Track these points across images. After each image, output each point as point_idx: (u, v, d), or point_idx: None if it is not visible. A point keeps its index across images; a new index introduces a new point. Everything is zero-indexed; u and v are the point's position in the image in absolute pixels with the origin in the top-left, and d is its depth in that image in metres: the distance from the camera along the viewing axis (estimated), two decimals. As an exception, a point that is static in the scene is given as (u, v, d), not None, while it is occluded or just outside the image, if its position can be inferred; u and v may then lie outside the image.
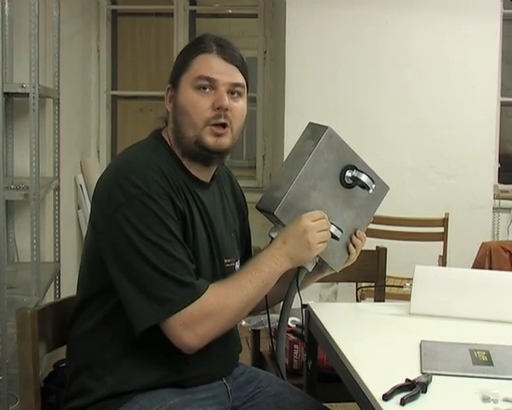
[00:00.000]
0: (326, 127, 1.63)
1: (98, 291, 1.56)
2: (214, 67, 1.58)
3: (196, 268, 1.54)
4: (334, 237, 1.64)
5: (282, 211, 1.59)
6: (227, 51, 1.60)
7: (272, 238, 1.64)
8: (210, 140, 1.57)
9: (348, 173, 1.65)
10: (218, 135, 1.57)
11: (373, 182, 1.65)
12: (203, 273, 1.57)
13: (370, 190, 1.66)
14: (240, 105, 1.61)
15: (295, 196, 1.59)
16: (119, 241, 1.48)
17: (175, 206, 1.52)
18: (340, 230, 1.65)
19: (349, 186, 1.66)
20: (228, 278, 1.57)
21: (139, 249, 1.46)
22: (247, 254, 1.86)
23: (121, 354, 1.54)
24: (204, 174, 1.65)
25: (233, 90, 1.59)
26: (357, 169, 1.65)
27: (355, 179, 1.65)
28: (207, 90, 1.57)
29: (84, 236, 1.70)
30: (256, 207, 1.66)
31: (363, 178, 1.64)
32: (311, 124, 1.69)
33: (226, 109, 1.56)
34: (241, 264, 1.76)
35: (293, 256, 1.59)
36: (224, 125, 1.58)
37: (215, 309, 1.50)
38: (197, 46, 1.61)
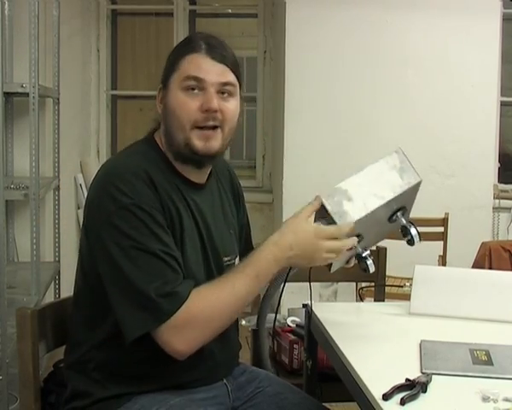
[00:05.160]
0: (419, 178, 1.57)
1: (91, 291, 1.54)
2: (202, 66, 1.53)
3: (186, 274, 1.51)
4: (362, 261, 1.62)
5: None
6: (216, 50, 1.55)
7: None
8: (198, 144, 1.53)
9: (399, 214, 1.61)
10: (207, 138, 1.54)
11: (419, 238, 1.63)
12: (195, 277, 1.54)
13: (414, 245, 1.65)
14: (231, 105, 1.56)
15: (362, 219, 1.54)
16: (110, 250, 1.45)
17: (165, 215, 1.49)
18: (371, 257, 1.62)
19: (390, 221, 1.63)
20: (222, 278, 1.51)
21: (129, 259, 1.43)
22: (247, 245, 1.82)
23: (118, 355, 1.52)
24: (198, 176, 1.62)
25: (223, 90, 1.54)
26: (406, 213, 1.63)
27: (404, 229, 1.62)
28: (196, 91, 1.53)
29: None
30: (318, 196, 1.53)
31: (413, 231, 1.62)
32: (401, 152, 1.59)
33: (215, 111, 1.52)
34: (240, 257, 1.72)
35: (293, 263, 1.54)
36: (213, 128, 1.54)
37: (202, 313, 1.45)
38: (186, 46, 1.57)
